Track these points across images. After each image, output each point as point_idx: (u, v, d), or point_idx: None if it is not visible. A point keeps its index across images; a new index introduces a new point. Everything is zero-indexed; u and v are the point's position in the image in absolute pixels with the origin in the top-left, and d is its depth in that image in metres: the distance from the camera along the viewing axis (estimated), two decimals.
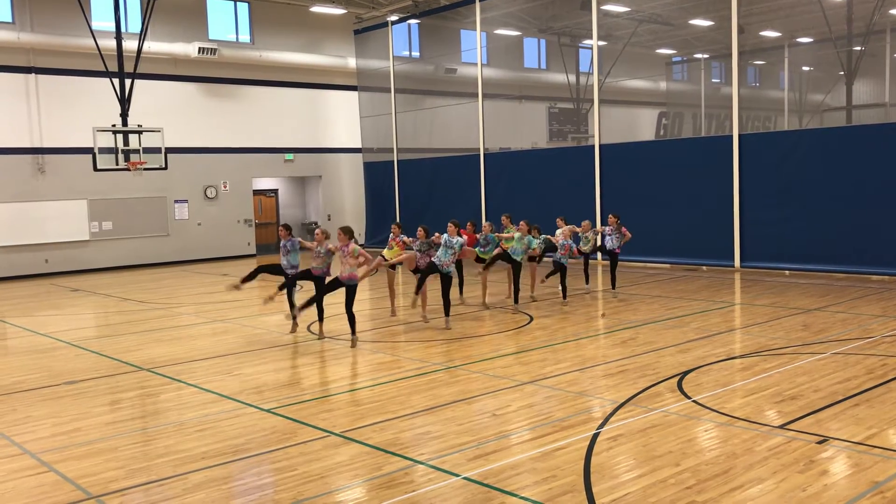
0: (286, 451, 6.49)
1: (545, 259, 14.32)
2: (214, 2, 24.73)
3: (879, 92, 26.98)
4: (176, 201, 24.13)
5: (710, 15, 26.18)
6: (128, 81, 19.24)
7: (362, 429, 6.99)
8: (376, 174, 26.56)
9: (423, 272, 11.79)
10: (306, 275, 11.13)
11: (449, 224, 11.77)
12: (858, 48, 23.62)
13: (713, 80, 32.56)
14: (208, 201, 24.79)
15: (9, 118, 21.16)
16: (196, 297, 16.76)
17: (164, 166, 19.89)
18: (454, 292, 12.51)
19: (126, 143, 19.12)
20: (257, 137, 25.52)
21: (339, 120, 27.38)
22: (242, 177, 25.52)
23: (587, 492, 5.39)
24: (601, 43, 20.93)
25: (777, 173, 16.76)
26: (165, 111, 22.70)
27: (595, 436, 6.55)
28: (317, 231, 11.11)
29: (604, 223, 16.34)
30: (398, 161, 25.69)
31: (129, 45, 19.92)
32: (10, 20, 21.15)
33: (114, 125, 19.14)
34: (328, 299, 11.09)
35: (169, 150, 20.19)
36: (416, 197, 24.77)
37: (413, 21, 25.46)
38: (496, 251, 13.65)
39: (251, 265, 11.84)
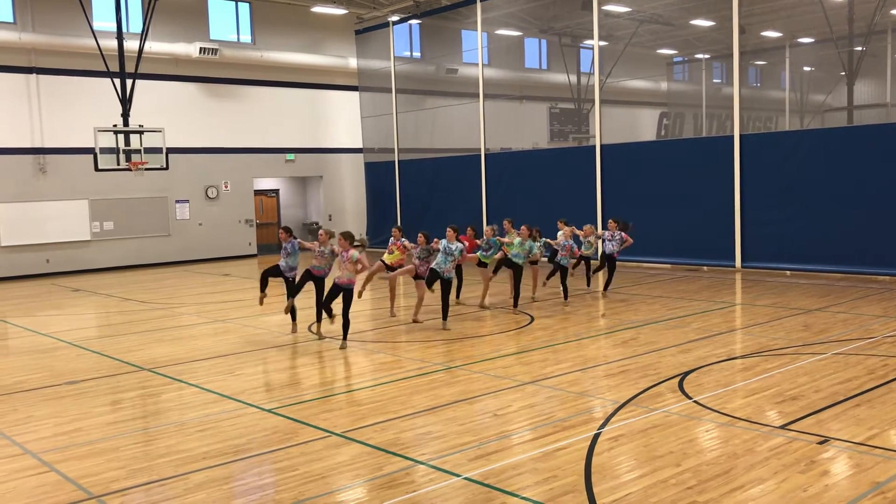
0: (287, 451, 6.49)
1: (544, 259, 14.35)
2: (215, 2, 24.74)
3: (881, 92, 27.00)
4: (177, 201, 24.14)
5: (711, 15, 26.18)
6: (129, 81, 19.25)
7: (363, 429, 6.99)
8: (377, 174, 26.57)
9: (426, 281, 11.72)
10: (307, 276, 11.11)
11: (448, 229, 11.74)
12: (860, 48, 23.61)
13: (714, 81, 32.58)
14: (209, 201, 24.80)
15: (10, 118, 21.18)
16: (197, 297, 16.77)
17: (165, 166, 19.90)
18: (451, 294, 12.50)
19: (127, 143, 19.14)
20: (258, 137, 25.53)
21: (340, 120, 27.39)
22: (243, 177, 25.53)
23: (588, 492, 5.40)
24: (602, 43, 20.93)
25: (778, 174, 16.76)
26: (167, 111, 22.72)
27: (596, 436, 6.56)
28: (321, 231, 11.12)
29: (604, 227, 16.33)
30: (399, 161, 25.69)
31: (131, 45, 19.94)
32: (11, 20, 21.17)
33: (115, 125, 19.15)
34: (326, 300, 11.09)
35: (170, 151, 20.19)
36: (418, 197, 24.78)
37: (414, 21, 25.47)
38: (498, 255, 13.66)
39: (253, 267, 11.84)
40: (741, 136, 17.36)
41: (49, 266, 21.81)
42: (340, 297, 10.52)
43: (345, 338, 10.65)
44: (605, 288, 14.61)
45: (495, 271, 13.38)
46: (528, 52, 30.71)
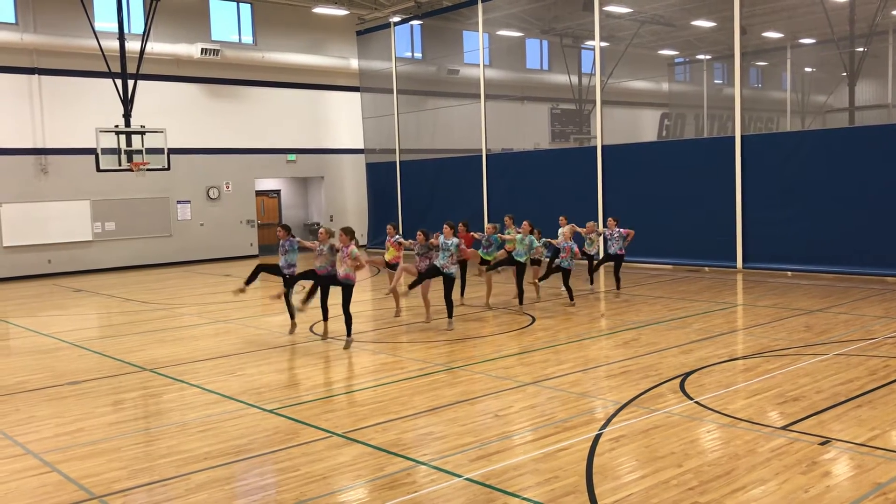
0: (289, 451, 6.50)
1: (547, 259, 14.36)
2: (217, 3, 24.76)
3: (882, 93, 26.97)
4: (178, 202, 24.16)
5: (712, 16, 26.16)
6: (131, 82, 19.27)
7: (365, 429, 7.00)
8: (379, 175, 26.58)
9: (423, 274, 11.80)
10: (310, 275, 11.11)
11: (444, 226, 11.80)
12: (861, 49, 23.59)
13: (715, 81, 32.56)
14: (211, 202, 24.82)
15: (12, 119, 21.20)
16: (199, 297, 16.78)
17: (166, 167, 19.92)
18: (455, 293, 12.52)
19: (129, 143, 19.16)
20: (260, 138, 25.55)
21: (342, 121, 27.40)
22: (245, 177, 25.55)
23: (589, 493, 5.40)
24: (603, 44, 20.91)
25: (779, 174, 16.75)
26: (168, 112, 22.74)
27: (597, 437, 6.56)
28: (321, 230, 11.12)
29: (604, 226, 16.34)
30: (400, 162, 25.70)
31: (132, 45, 19.95)
32: (13, 21, 21.19)
33: (117, 126, 19.17)
34: (328, 300, 11.09)
35: (172, 151, 20.22)
36: (419, 198, 24.78)
37: (415, 22, 25.47)
38: (499, 253, 13.67)
39: (253, 266, 11.84)
40: (742, 136, 17.35)
41: (51, 266, 21.83)
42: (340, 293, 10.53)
43: (349, 334, 10.65)
44: (617, 287, 14.60)
45: (496, 267, 13.39)
46: (530, 52, 30.72)
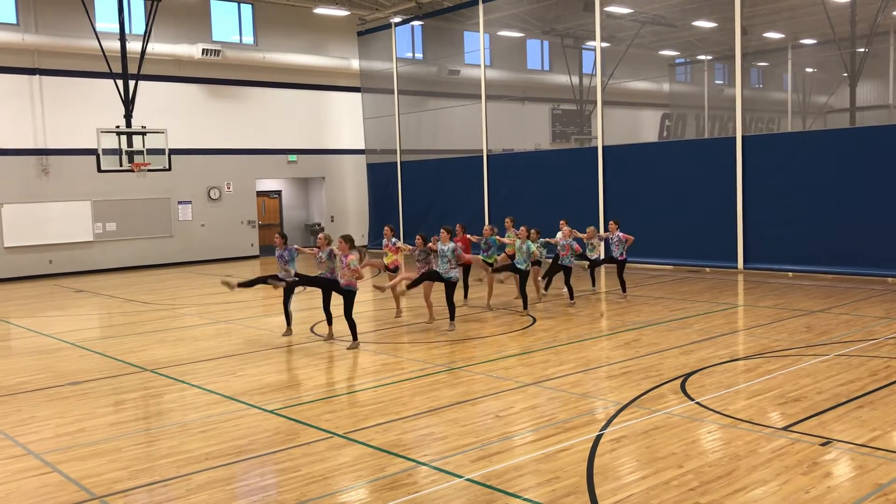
0: (289, 452, 6.50)
1: (548, 260, 14.34)
2: (218, 3, 24.77)
3: (883, 94, 26.97)
4: (179, 202, 24.17)
5: (713, 16, 26.17)
6: (131, 83, 19.29)
7: (365, 430, 7.00)
8: (379, 175, 26.58)
9: (422, 276, 11.77)
10: (314, 281, 11.06)
11: (441, 230, 11.79)
12: (862, 50, 23.59)
13: (716, 82, 32.57)
14: (212, 202, 24.82)
15: (13, 119, 21.21)
16: (199, 298, 16.78)
17: (167, 167, 19.94)
18: (458, 295, 12.52)
19: (130, 144, 19.18)
20: (261, 139, 25.56)
21: (343, 121, 27.41)
22: (246, 178, 25.55)
23: (590, 493, 5.40)
24: (604, 44, 20.90)
25: (780, 175, 16.74)
26: (169, 112, 22.75)
27: (598, 437, 6.55)
28: (319, 236, 11.11)
29: (605, 230, 16.32)
30: (401, 162, 25.71)
31: (133, 46, 19.95)
32: (14, 22, 21.20)
33: (117, 126, 19.18)
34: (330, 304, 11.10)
35: (172, 152, 20.24)
36: (420, 198, 24.78)
37: (416, 23, 25.48)
38: (502, 257, 13.66)
39: (254, 268, 11.83)
40: (743, 137, 17.35)
41: (52, 267, 21.85)
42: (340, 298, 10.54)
43: (354, 338, 10.64)
44: (623, 290, 14.54)
45: (497, 270, 13.37)
46: (531, 53, 30.73)
